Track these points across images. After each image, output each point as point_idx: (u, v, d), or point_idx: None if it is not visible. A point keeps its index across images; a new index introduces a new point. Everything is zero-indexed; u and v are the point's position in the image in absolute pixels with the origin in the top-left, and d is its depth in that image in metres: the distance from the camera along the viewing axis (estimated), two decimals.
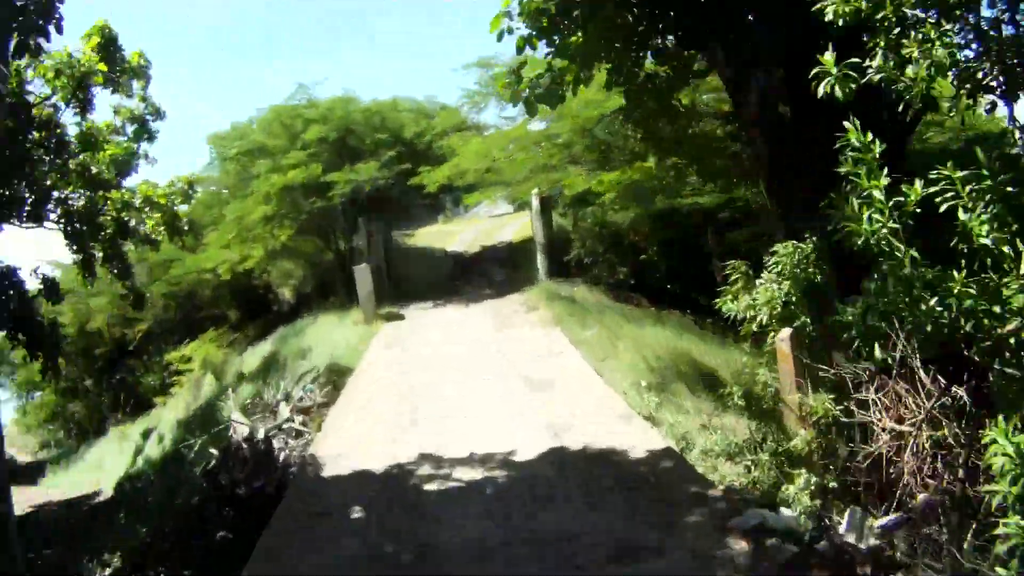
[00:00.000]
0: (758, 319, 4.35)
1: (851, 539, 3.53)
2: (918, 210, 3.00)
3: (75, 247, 11.12)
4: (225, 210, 17.76)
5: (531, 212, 14.74)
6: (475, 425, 6.65)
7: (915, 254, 2.97)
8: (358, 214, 16.31)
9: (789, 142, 5.26)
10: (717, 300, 4.79)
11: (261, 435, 7.21)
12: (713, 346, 9.45)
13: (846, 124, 3.14)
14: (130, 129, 12.49)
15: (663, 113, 6.02)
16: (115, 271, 11.98)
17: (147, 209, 12.60)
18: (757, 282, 4.42)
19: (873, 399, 3.60)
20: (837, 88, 3.18)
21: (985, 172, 2.88)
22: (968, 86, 3.32)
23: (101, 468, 14.63)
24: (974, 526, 3.04)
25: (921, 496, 3.35)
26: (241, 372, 15.76)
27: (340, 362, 11.15)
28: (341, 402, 8.49)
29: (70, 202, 11.14)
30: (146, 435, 14.97)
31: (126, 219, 11.71)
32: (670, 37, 5.72)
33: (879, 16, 3.13)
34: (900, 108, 3.19)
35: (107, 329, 23.45)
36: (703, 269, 14.50)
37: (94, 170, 11.61)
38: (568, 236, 15.37)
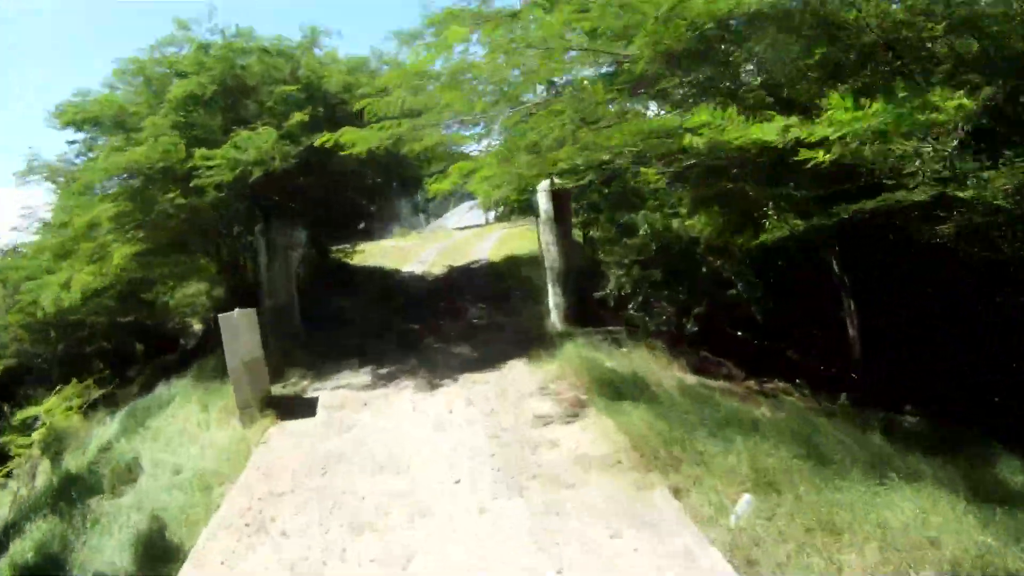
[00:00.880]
0: None
1: None
2: None
3: None
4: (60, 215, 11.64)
5: (539, 216, 8.96)
6: None
7: None
8: (258, 219, 10.29)
9: None
10: None
11: None
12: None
13: None
14: None
15: None
16: None
17: None
18: None
19: None
20: None
21: None
22: None
23: None
24: None
25: None
26: (68, 471, 9.62)
27: (165, 532, 5.21)
28: None
29: None
30: None
31: None
32: None
33: None
34: None
35: None
36: (824, 313, 8.98)
37: None
38: (593, 257, 9.65)
